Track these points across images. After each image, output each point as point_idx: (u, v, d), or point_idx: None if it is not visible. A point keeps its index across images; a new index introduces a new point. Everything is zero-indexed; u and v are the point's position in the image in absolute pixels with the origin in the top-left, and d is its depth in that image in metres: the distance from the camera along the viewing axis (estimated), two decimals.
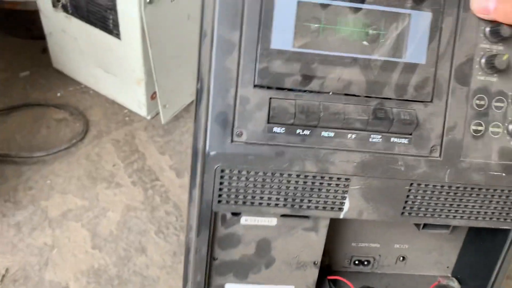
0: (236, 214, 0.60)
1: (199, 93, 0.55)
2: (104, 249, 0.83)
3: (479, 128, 0.58)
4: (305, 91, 0.54)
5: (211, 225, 0.59)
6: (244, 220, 0.61)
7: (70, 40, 1.20)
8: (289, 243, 0.62)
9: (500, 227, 0.62)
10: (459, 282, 0.74)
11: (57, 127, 0.85)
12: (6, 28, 1.48)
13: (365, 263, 0.73)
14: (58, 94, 1.18)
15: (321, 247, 0.63)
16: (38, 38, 1.33)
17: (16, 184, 0.80)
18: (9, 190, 0.80)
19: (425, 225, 0.62)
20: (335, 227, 0.69)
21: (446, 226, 0.62)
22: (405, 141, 0.57)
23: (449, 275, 0.75)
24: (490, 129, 0.58)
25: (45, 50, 1.31)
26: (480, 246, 0.69)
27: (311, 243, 0.63)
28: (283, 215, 0.60)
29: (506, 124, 0.58)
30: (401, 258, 0.74)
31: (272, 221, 0.61)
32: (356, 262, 0.73)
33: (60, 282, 0.78)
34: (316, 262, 0.64)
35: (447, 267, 0.75)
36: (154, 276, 0.85)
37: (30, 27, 1.41)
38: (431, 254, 0.74)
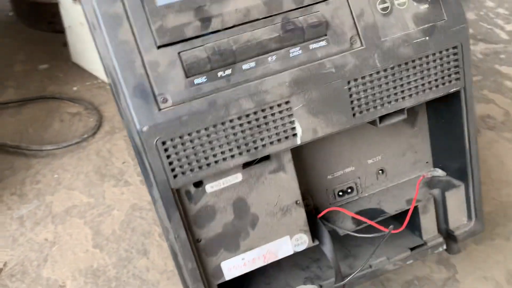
0: (198, 185, 0.57)
1: (111, 80, 0.53)
2: (105, 248, 0.78)
3: (385, 5, 0.58)
4: (209, 33, 0.53)
5: (179, 205, 0.56)
6: (210, 187, 0.58)
7: (88, 33, 1.13)
8: (264, 193, 0.60)
9: (450, 92, 0.63)
10: (443, 169, 0.73)
11: (70, 121, 0.81)
12: (28, 21, 1.47)
13: (349, 191, 0.71)
14: (74, 88, 1.15)
15: (295, 183, 0.61)
16: (59, 31, 1.31)
17: (24, 177, 0.76)
18: (16, 183, 0.77)
19: (382, 120, 0.61)
20: (303, 166, 0.67)
21: (400, 112, 0.62)
22: (323, 43, 0.56)
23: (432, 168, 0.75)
24: (395, 2, 0.58)
25: (65, 44, 1.29)
26: (444, 126, 0.69)
27: (284, 184, 0.61)
28: (245, 166, 0.58)
29: None
30: (380, 171, 0.72)
31: (237, 177, 0.58)
32: (340, 193, 0.71)
33: (57, 280, 0.75)
34: (298, 201, 0.62)
35: (427, 162, 0.75)
36: (153, 280, 0.80)
37: (52, 21, 1.40)
38: (406, 156, 0.73)
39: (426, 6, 0.59)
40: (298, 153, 0.65)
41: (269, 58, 0.55)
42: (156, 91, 0.52)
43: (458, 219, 0.71)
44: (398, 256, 0.68)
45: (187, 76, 0.53)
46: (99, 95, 1.16)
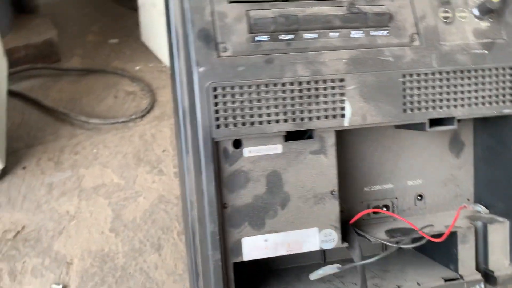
0: (237, 146, 0.56)
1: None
2: (121, 234, 0.75)
3: (447, 14, 0.60)
4: (279, 0, 0.56)
5: (215, 159, 0.54)
6: (248, 151, 0.56)
7: (158, 15, 1.14)
8: (300, 172, 0.58)
9: (503, 112, 0.62)
10: (485, 207, 0.69)
11: (124, 99, 0.80)
12: None
13: (384, 209, 0.68)
14: (137, 68, 1.14)
15: (335, 172, 0.59)
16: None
17: (65, 146, 0.75)
18: (56, 150, 0.75)
19: (431, 125, 0.60)
20: (344, 165, 0.65)
21: (451, 122, 0.61)
22: (385, 33, 0.58)
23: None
24: (457, 14, 0.61)
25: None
26: (491, 157, 0.67)
27: (323, 169, 0.58)
28: (287, 139, 0.57)
29: (470, 9, 0.61)
30: (419, 197, 0.69)
31: (277, 148, 0.57)
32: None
33: (65, 256, 0.73)
34: (333, 192, 0.59)
35: (468, 199, 0.71)
36: (159, 279, 0.74)
37: None
38: (447, 187, 0.70)
39: (487, 24, 0.61)
40: (342, 149, 0.64)
41: (331, 34, 0.56)
42: (218, 39, 0.54)
43: (499, 259, 0.65)
44: (431, 283, 0.62)
45: (250, 32, 0.54)
46: (159, 79, 1.16)
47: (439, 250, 0.68)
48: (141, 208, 0.78)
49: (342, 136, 0.65)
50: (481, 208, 0.69)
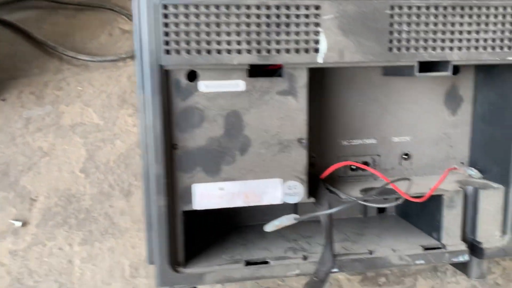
0: (192, 79, 0.49)
1: None
2: (91, 176, 0.71)
3: None
4: None
5: (164, 91, 0.47)
6: (204, 86, 0.49)
7: None
8: (264, 115, 0.50)
9: (508, 60, 0.53)
10: (480, 172, 0.61)
11: (118, 37, 0.74)
12: None
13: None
14: None
15: (304, 117, 0.51)
16: None
17: (49, 80, 0.70)
18: (40, 84, 0.71)
19: (421, 69, 0.52)
20: (318, 112, 0.58)
21: (446, 68, 0.52)
22: None
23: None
24: None
25: None
26: (492, 116, 0.59)
27: (291, 113, 0.51)
28: (251, 75, 0.49)
29: None
30: (405, 156, 0.62)
31: (239, 85, 0.50)
32: (353, 167, 0.60)
33: (31, 192, 0.70)
34: (302, 140, 0.52)
35: (462, 163, 0.63)
36: (123, 226, 0.69)
37: None
38: (439, 147, 0.62)
39: None
40: (318, 93, 0.57)
41: None
42: None
43: (489, 230, 0.57)
44: (408, 251, 0.55)
45: None
46: None
47: (423, 216, 0.60)
48: (117, 151, 0.72)
49: (319, 78, 0.57)
50: (473, 172, 0.61)
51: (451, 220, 0.56)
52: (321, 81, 0.58)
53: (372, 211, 0.67)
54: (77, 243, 0.69)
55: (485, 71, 0.59)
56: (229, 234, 0.61)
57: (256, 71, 0.50)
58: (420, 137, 0.61)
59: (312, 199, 0.53)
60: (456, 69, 0.60)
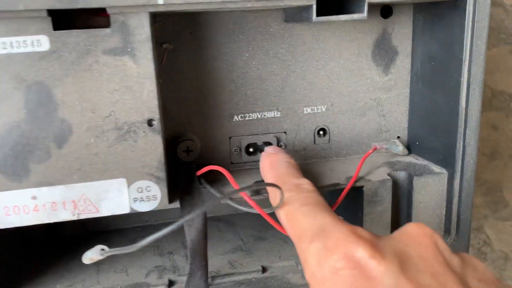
0: None
1: None
2: None
3: None
4: None
5: None
6: None
7: None
8: (88, 87, 0.34)
9: None
10: (421, 152, 0.46)
11: None
12: None
13: (249, 150, 0.45)
14: None
15: (152, 86, 0.35)
16: None
17: None
18: None
19: (321, 12, 0.35)
20: (192, 84, 0.41)
21: (358, 7, 0.36)
22: None
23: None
24: None
25: None
26: (434, 77, 0.43)
27: (130, 82, 0.34)
28: (58, 27, 0.32)
29: None
30: (321, 131, 0.46)
31: (41, 42, 0.32)
32: (251, 149, 0.45)
33: None
34: (152, 121, 0.35)
35: (398, 136, 0.48)
36: None
37: None
38: (367, 118, 0.46)
39: None
40: (189, 47, 0.40)
41: None
42: None
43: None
44: None
45: None
46: None
47: (347, 212, 0.46)
48: None
49: (189, 26, 0.40)
50: (399, 148, 0.46)
51: (375, 219, 0.42)
52: (194, 30, 0.41)
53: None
54: None
55: (425, 11, 0.43)
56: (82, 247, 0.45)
57: (66, 18, 0.33)
58: (340, 105, 0.46)
59: (176, 204, 0.38)
60: (387, 9, 0.44)
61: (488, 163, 0.75)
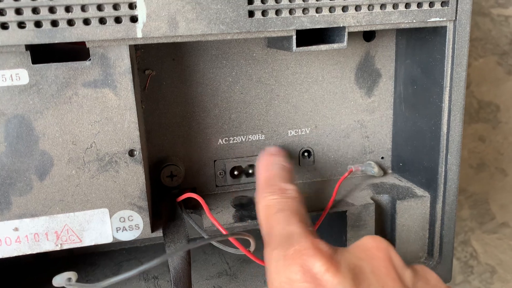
0: None
1: None
2: None
3: None
4: None
5: None
6: None
7: None
8: (68, 119, 0.34)
9: (429, 23, 0.37)
10: (404, 174, 0.47)
11: None
12: None
13: (250, 171, 0.45)
14: None
15: (133, 118, 0.35)
16: None
17: None
18: None
19: (301, 42, 0.36)
20: (182, 113, 0.41)
21: (339, 37, 0.36)
22: None
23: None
24: None
25: None
26: (416, 100, 0.43)
27: (111, 113, 0.34)
28: (37, 60, 0.32)
29: None
30: (305, 153, 0.46)
31: (20, 76, 0.32)
32: (235, 172, 0.45)
33: None
34: (133, 151, 0.36)
35: (382, 158, 0.48)
36: None
37: None
38: (351, 139, 0.47)
39: None
40: (173, 73, 0.40)
41: None
42: None
43: (410, 252, 0.43)
44: None
45: None
46: None
47: (331, 235, 0.46)
48: None
49: (175, 53, 0.41)
50: (375, 170, 0.46)
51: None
52: (177, 57, 0.41)
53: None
54: None
55: (407, 35, 0.43)
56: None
57: (46, 52, 0.33)
58: (324, 128, 0.46)
59: (158, 233, 0.38)
60: (370, 33, 0.44)
61: (475, 175, 0.75)
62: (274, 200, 0.34)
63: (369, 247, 0.30)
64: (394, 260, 0.30)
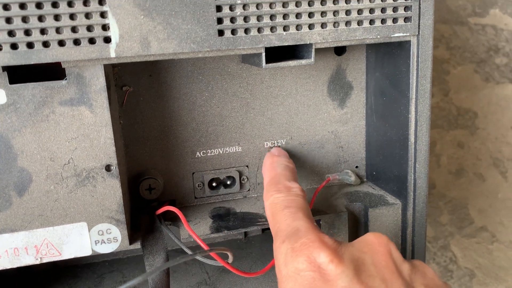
0: None
1: None
2: None
3: None
4: None
5: None
6: None
7: None
8: (45, 137, 0.35)
9: (393, 38, 0.39)
10: (378, 182, 0.48)
11: None
12: None
13: (228, 183, 0.46)
14: None
15: (109, 134, 0.36)
16: None
17: None
18: None
19: (270, 59, 0.37)
20: (150, 115, 0.43)
21: (306, 53, 0.38)
22: None
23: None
24: None
25: None
26: (385, 111, 0.45)
27: (87, 130, 0.36)
28: (14, 80, 0.33)
29: None
30: None
31: None
32: (214, 184, 0.46)
33: None
34: (110, 166, 0.37)
35: (356, 166, 0.50)
36: None
37: None
38: (325, 149, 0.48)
39: None
40: (151, 89, 0.41)
41: None
42: None
43: None
44: None
45: None
46: None
47: None
48: None
49: (151, 69, 0.42)
50: (352, 178, 0.48)
51: None
52: (154, 73, 0.42)
53: (255, 230, 0.53)
54: None
55: (376, 49, 0.45)
56: (53, 283, 0.46)
57: (27, 72, 0.34)
58: (299, 139, 0.47)
59: (136, 245, 0.39)
60: (341, 47, 0.46)
61: (455, 180, 0.77)
62: (280, 198, 0.37)
63: (371, 242, 0.33)
64: (394, 254, 0.32)
